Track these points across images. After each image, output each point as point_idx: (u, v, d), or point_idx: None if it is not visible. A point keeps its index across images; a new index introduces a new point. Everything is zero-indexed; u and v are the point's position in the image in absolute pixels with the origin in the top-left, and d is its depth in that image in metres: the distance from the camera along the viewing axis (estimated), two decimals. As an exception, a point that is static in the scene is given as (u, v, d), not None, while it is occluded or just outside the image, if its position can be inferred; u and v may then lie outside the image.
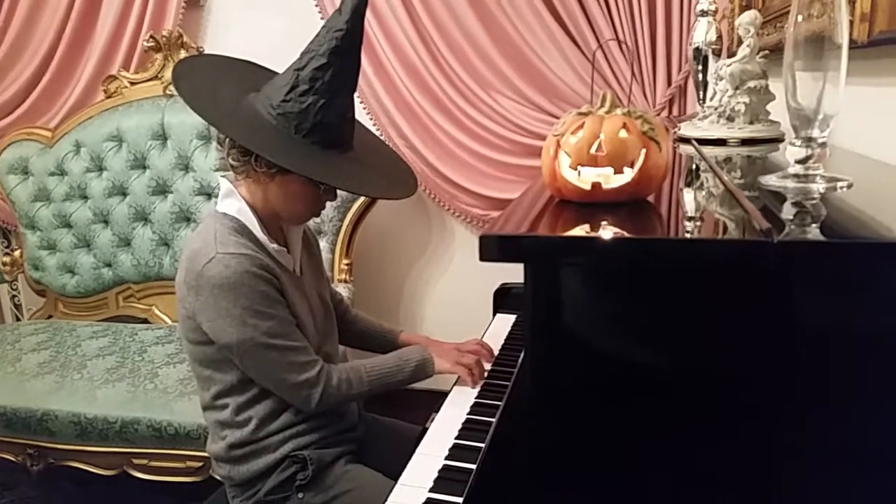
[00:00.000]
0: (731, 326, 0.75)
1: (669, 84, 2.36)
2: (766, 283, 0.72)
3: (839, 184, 0.88)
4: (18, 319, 3.25)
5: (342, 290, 2.43)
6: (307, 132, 1.37)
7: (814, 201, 0.85)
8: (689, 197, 1.06)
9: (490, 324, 2.03)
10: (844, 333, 0.72)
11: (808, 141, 0.88)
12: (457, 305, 2.73)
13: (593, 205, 0.87)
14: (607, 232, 0.77)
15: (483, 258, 0.73)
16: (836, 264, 0.70)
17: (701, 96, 1.85)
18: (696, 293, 0.76)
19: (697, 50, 1.81)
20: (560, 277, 0.76)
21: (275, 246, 1.47)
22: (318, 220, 1.82)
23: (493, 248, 0.74)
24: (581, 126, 0.86)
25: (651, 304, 0.76)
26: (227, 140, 1.41)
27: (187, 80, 1.45)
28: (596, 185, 0.84)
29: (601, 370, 0.80)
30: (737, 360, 0.76)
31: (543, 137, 2.43)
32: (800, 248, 0.69)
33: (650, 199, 0.93)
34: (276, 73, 1.49)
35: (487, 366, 1.68)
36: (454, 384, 1.64)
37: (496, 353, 1.79)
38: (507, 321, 2.02)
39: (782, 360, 0.74)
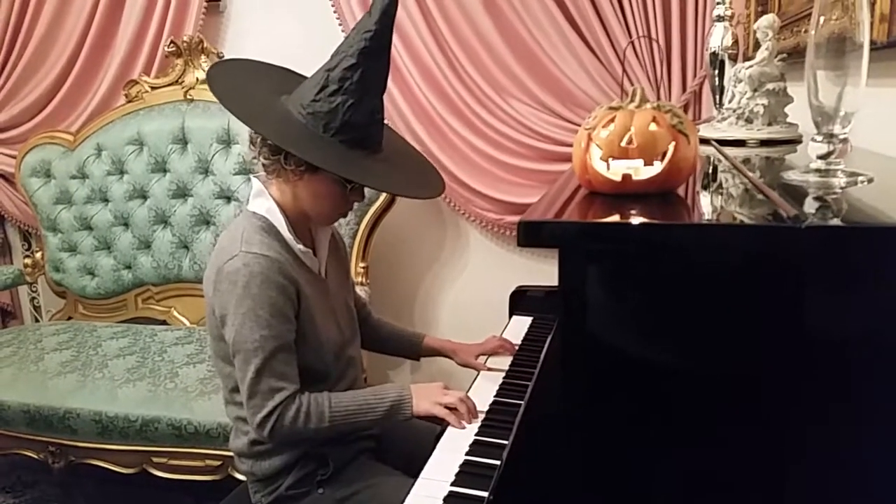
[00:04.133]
0: (760, 310, 0.77)
1: (684, 89, 2.38)
2: (792, 269, 0.74)
3: (860, 178, 0.90)
4: (38, 321, 3.29)
5: (358, 292, 2.45)
6: (336, 131, 1.40)
7: (835, 195, 0.87)
8: (712, 193, 1.08)
9: (506, 326, 2.05)
10: (872, 318, 0.74)
11: (830, 137, 0.91)
12: (472, 308, 2.75)
13: (623, 196, 0.90)
14: (639, 218, 0.80)
15: (521, 243, 0.76)
16: (863, 249, 0.72)
17: (717, 101, 1.87)
18: (724, 280, 0.78)
19: (714, 55, 1.83)
20: (593, 262, 0.79)
21: (301, 247, 1.50)
22: (336, 223, 1.82)
23: (531, 234, 0.77)
24: (612, 120, 0.89)
25: (680, 291, 0.79)
26: (259, 139, 1.43)
27: (221, 79, 1.47)
28: (626, 177, 0.87)
29: (633, 358, 0.82)
30: (759, 347, 0.78)
31: (558, 142, 2.48)
32: (828, 233, 0.71)
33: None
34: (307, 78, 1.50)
35: (484, 405, 1.55)
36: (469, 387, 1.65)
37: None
38: (523, 323, 2.03)
39: (809, 347, 0.76)
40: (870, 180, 0.90)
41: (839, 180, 0.90)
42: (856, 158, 1.01)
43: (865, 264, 0.74)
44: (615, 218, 0.82)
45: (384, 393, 1.52)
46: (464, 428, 1.47)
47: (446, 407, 1.49)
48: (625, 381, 0.83)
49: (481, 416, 1.51)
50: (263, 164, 1.46)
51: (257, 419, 1.41)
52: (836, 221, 0.74)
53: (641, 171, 0.87)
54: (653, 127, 0.88)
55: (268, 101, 1.46)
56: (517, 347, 1.83)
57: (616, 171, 0.88)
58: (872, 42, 1.02)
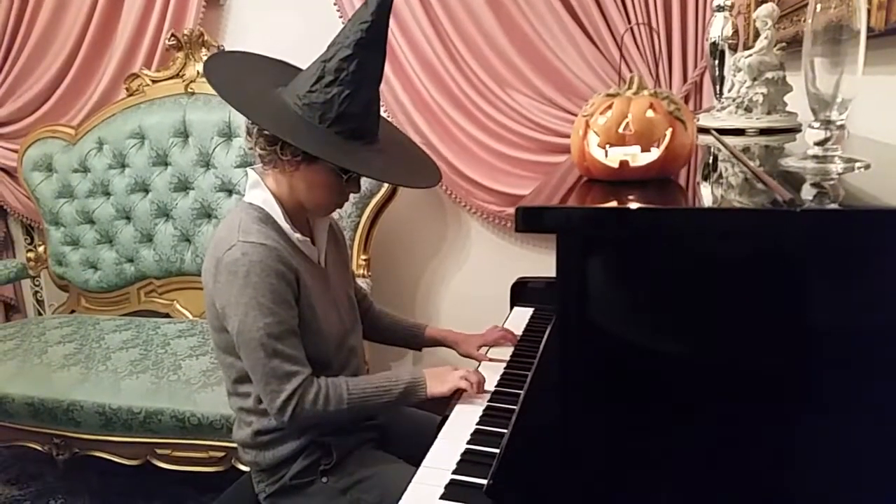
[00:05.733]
0: (756, 295, 0.77)
1: (685, 80, 2.38)
2: (789, 254, 0.74)
3: (857, 164, 0.90)
4: (41, 314, 3.30)
5: (360, 284, 2.46)
6: (331, 122, 1.40)
7: (832, 181, 0.88)
8: (710, 180, 1.09)
9: (507, 317, 2.06)
10: (869, 301, 0.75)
11: (827, 123, 0.91)
12: (473, 300, 2.75)
13: (621, 182, 0.90)
14: (636, 203, 0.80)
15: (518, 229, 0.77)
16: (859, 233, 0.72)
17: (717, 91, 1.87)
18: (721, 265, 0.78)
19: (714, 45, 1.83)
20: (591, 248, 0.79)
21: (298, 235, 1.50)
22: (336, 215, 1.83)
23: (529, 219, 0.77)
24: (609, 107, 0.90)
25: (678, 276, 0.79)
26: (255, 129, 1.44)
27: (218, 70, 1.48)
28: (623, 164, 0.88)
29: (629, 343, 0.82)
30: (756, 331, 0.79)
31: (560, 134, 2.49)
32: (824, 217, 0.72)
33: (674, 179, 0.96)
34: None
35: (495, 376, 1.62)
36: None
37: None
38: (524, 314, 2.05)
39: (807, 332, 0.76)
40: (866, 166, 0.90)
41: (836, 166, 0.90)
42: (853, 145, 1.01)
43: (861, 248, 0.74)
44: (613, 203, 0.83)
45: (398, 376, 1.55)
46: (479, 394, 1.53)
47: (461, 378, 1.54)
48: (621, 367, 0.83)
49: (483, 405, 1.52)
50: (260, 155, 1.47)
51: (277, 403, 1.42)
52: (832, 205, 0.75)
53: (639, 157, 0.88)
54: (650, 113, 0.88)
55: (264, 92, 1.46)
56: (518, 338, 1.84)
57: (614, 157, 0.88)
58: (870, 29, 1.03)
